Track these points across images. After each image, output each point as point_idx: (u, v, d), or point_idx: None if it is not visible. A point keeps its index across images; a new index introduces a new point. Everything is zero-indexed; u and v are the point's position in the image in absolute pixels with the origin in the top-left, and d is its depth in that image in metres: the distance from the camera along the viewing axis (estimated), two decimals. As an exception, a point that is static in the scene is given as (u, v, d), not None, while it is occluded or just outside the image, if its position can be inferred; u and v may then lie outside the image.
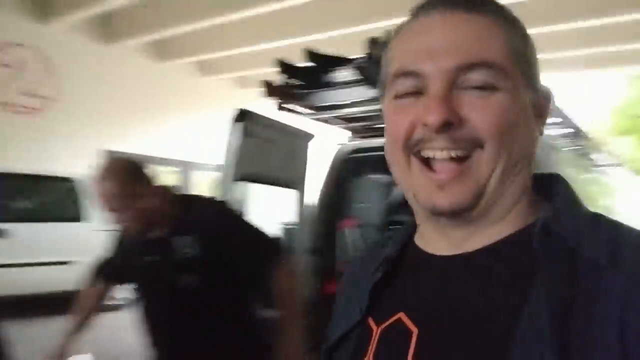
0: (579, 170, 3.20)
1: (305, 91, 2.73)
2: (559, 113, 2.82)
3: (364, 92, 2.59)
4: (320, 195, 3.30)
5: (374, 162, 3.33)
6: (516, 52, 0.59)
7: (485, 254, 0.59)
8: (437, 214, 0.59)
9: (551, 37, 6.50)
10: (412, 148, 0.59)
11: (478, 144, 0.57)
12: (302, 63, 2.76)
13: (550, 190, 0.62)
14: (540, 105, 0.62)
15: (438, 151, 0.58)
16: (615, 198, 4.30)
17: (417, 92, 0.59)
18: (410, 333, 0.60)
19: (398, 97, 0.61)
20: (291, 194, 3.06)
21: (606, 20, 6.26)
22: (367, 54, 2.40)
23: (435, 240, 0.64)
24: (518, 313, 0.52)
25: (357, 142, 3.20)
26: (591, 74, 10.98)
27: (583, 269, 0.52)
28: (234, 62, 8.79)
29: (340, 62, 2.64)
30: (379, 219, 3.25)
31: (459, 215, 0.59)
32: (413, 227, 0.70)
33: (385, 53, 0.65)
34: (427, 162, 0.59)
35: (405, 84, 0.59)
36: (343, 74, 2.59)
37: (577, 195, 0.62)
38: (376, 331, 0.64)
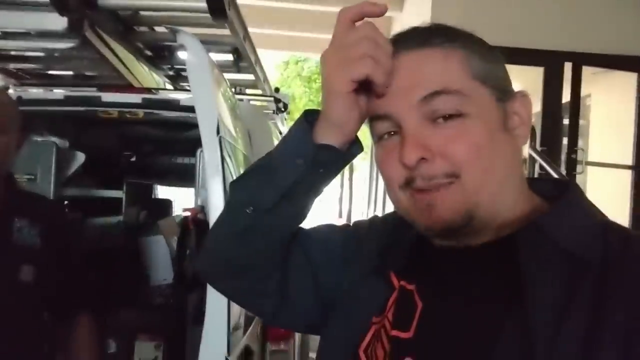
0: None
1: None
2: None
3: (36, 21, 1.87)
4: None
5: (42, 120, 2.56)
6: (477, 72, 0.61)
7: (485, 249, 0.63)
8: (432, 235, 0.66)
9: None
10: (406, 187, 0.62)
11: (455, 175, 0.60)
12: None
13: (560, 196, 0.64)
14: (517, 112, 0.64)
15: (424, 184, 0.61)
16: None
17: (396, 131, 0.62)
18: (416, 307, 0.65)
19: (381, 139, 0.65)
20: None
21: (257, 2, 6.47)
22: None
23: None
24: (503, 312, 0.57)
25: (17, 92, 2.37)
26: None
27: (576, 270, 0.55)
28: None
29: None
30: (50, 193, 2.52)
31: (453, 233, 0.62)
32: None
33: None
34: (420, 191, 0.62)
35: (383, 126, 0.64)
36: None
37: (587, 201, 0.64)
38: (397, 288, 0.68)
